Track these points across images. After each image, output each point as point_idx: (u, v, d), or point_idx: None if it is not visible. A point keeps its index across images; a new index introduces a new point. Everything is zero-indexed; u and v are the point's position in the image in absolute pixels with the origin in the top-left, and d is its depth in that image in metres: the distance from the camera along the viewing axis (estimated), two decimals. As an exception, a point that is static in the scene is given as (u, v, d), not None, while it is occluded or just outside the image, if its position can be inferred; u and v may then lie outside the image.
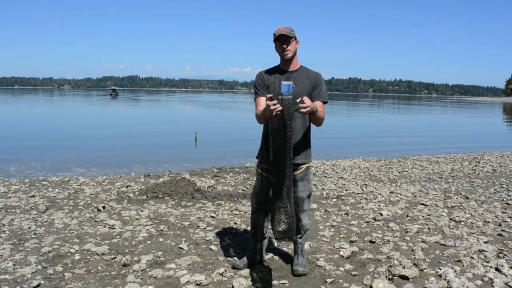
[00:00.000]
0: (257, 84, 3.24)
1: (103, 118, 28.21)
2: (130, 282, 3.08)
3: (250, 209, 4.02)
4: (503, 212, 5.29)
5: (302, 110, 2.76)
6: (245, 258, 3.42)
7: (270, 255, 3.67)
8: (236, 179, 7.58)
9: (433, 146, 14.88)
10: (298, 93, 3.06)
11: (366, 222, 4.79)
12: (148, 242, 4.02)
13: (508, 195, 6.41)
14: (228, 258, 3.59)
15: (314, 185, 7.00)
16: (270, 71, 3.25)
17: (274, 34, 3.12)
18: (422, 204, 5.71)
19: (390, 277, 3.22)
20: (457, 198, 6.12)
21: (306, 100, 2.77)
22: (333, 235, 4.29)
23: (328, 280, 3.17)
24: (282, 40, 3.11)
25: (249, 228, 4.13)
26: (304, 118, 3.19)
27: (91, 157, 10.96)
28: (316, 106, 2.95)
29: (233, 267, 3.36)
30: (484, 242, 4.05)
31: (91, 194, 6.07)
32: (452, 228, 4.56)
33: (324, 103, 3.21)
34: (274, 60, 3.33)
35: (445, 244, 3.99)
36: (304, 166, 3.24)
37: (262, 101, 3.10)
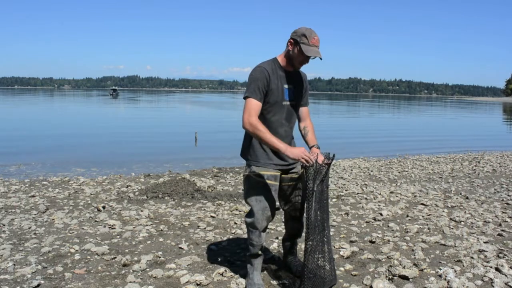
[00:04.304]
0: (261, 85, 2.84)
1: (105, 118, 28.18)
2: (130, 282, 3.08)
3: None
4: (503, 212, 5.29)
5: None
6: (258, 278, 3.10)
7: (270, 255, 3.67)
8: (236, 179, 7.58)
9: (433, 146, 14.89)
10: (297, 97, 3.04)
11: (366, 222, 4.79)
12: (148, 242, 4.02)
13: (508, 195, 6.41)
14: (228, 258, 3.59)
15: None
16: (273, 70, 2.93)
17: (305, 37, 2.79)
18: (422, 204, 5.71)
19: (390, 277, 3.22)
20: (457, 198, 6.12)
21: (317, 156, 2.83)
22: (333, 235, 4.28)
23: (328, 280, 3.16)
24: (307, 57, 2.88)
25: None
26: (292, 124, 3.07)
27: (91, 157, 10.97)
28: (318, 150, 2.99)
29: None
30: (484, 242, 4.04)
31: (91, 194, 6.07)
32: (452, 228, 4.56)
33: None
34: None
35: (445, 244, 3.99)
36: (302, 170, 3.20)
37: (258, 108, 2.83)
